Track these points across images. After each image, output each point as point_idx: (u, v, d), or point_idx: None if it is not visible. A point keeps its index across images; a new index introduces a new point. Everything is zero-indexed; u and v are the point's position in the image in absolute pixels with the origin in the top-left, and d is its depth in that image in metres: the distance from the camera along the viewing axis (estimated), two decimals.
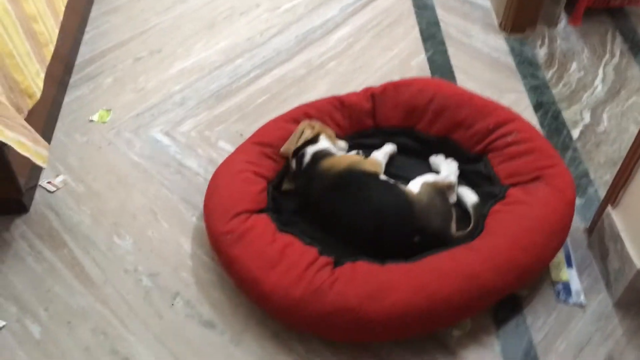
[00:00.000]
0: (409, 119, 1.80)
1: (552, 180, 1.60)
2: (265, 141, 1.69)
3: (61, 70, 2.02)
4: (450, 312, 1.41)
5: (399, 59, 2.18)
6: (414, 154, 1.78)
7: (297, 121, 1.73)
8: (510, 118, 1.75)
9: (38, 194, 1.74)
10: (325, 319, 1.37)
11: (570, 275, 1.59)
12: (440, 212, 1.52)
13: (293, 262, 1.42)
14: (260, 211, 1.55)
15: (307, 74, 2.13)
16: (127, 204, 1.73)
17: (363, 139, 1.78)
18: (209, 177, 1.77)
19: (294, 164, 1.64)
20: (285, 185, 1.67)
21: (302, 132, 1.63)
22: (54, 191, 1.75)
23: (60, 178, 1.78)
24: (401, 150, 1.78)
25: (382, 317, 1.36)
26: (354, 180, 1.55)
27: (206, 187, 1.75)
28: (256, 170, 1.62)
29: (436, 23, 2.35)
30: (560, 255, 1.61)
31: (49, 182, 1.76)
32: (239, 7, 2.40)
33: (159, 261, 1.60)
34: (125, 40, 2.23)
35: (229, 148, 1.87)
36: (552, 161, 1.65)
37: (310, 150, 1.60)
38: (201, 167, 1.83)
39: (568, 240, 1.64)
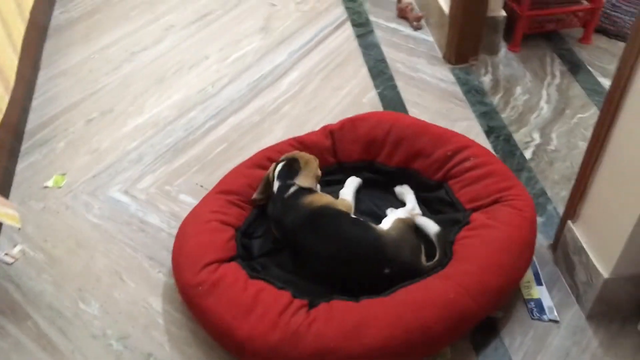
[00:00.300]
0: (369, 152, 1.83)
1: (512, 201, 1.64)
2: (229, 189, 1.69)
3: (10, 139, 1.98)
4: (428, 342, 1.41)
5: (351, 97, 2.22)
6: (377, 187, 1.80)
7: (259, 166, 1.74)
8: (467, 144, 1.79)
9: None
10: None
11: (540, 292, 1.61)
12: (409, 244, 1.53)
13: (267, 307, 1.40)
14: (230, 259, 1.53)
15: (262, 120, 2.14)
16: (90, 267, 1.68)
17: (327, 176, 1.79)
18: (173, 231, 1.76)
19: (275, 185, 1.63)
20: (256, 196, 1.67)
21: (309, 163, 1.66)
22: (12, 262, 1.69)
23: (17, 248, 1.73)
24: (364, 183, 1.79)
25: (362, 354, 1.35)
26: (328, 215, 1.56)
27: (171, 242, 1.72)
28: (223, 219, 1.61)
29: (383, 60, 2.41)
30: (529, 274, 1.64)
31: (6, 254, 1.71)
32: (188, 60, 2.41)
33: (128, 323, 1.55)
34: (75, 103, 2.21)
35: (191, 201, 1.85)
36: (510, 183, 1.69)
37: (298, 182, 1.61)
38: (164, 222, 1.80)
39: (534, 258, 1.67)
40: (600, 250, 1.48)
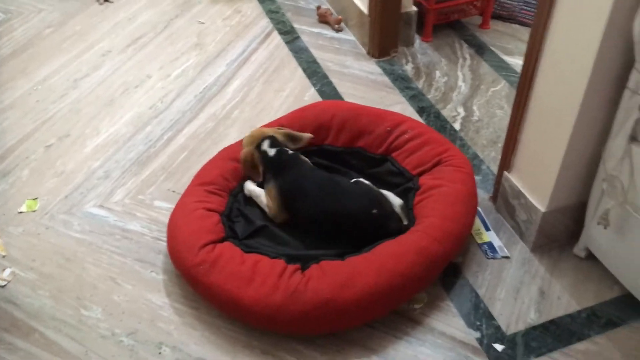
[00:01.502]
0: (317, 137, 2.03)
1: (451, 161, 1.90)
2: (206, 181, 1.86)
3: None
4: (408, 285, 1.63)
5: (293, 97, 2.43)
6: (328, 168, 2.00)
7: (229, 159, 1.91)
8: (402, 120, 2.04)
9: None
10: (307, 315, 1.53)
11: (490, 236, 1.87)
12: (389, 202, 1.79)
13: (266, 274, 1.58)
14: (222, 240, 1.70)
15: (216, 126, 2.30)
16: (84, 277, 1.77)
17: None
18: (155, 235, 1.89)
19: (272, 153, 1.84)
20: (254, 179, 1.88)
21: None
22: (5, 285, 1.75)
23: (7, 271, 1.78)
24: (317, 166, 1.98)
25: (355, 301, 1.54)
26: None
27: (155, 244, 1.86)
28: (207, 207, 1.77)
29: (315, 61, 2.63)
30: (478, 223, 1.90)
31: None
32: (132, 81, 2.52)
33: (133, 320, 1.66)
34: (30, 132, 2.26)
35: (166, 205, 1.97)
36: (446, 146, 1.96)
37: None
38: (145, 228, 1.91)
39: (480, 209, 1.93)
40: (535, 190, 1.76)
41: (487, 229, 1.90)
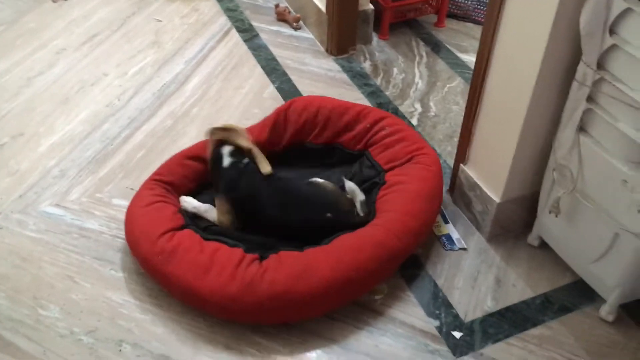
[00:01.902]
0: (301, 135, 2.06)
1: (421, 159, 1.93)
2: (166, 180, 1.86)
3: None
4: (365, 278, 1.65)
5: (252, 94, 2.43)
6: (308, 165, 2.03)
7: (191, 158, 1.90)
8: (383, 116, 2.06)
9: None
10: (262, 306, 1.55)
11: (448, 228, 1.91)
12: (344, 197, 1.80)
13: (223, 263, 1.59)
14: (182, 227, 1.70)
15: (174, 124, 2.28)
16: (41, 276, 1.74)
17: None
18: (114, 232, 1.87)
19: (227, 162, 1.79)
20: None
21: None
22: None
23: None
24: (298, 162, 2.03)
25: (311, 293, 1.56)
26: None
27: (114, 242, 1.84)
28: (165, 200, 1.78)
29: (273, 59, 2.64)
30: (438, 216, 1.94)
31: None
32: (88, 79, 2.49)
33: (92, 318, 1.64)
34: None
35: (125, 203, 1.93)
36: (420, 145, 1.98)
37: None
38: (103, 226, 1.89)
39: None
40: (490, 182, 1.81)
41: (446, 222, 1.94)
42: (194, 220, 1.76)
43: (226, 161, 1.79)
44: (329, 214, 1.73)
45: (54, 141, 2.19)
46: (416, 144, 1.96)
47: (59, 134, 2.22)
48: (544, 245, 1.83)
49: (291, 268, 1.58)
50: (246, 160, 1.80)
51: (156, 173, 1.89)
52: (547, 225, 1.76)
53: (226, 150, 1.81)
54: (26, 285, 1.72)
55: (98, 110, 2.33)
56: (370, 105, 2.39)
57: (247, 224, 1.77)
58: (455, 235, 1.89)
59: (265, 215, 1.75)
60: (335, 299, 1.63)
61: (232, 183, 1.77)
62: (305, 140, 2.06)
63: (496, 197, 1.79)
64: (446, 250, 1.85)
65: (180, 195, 1.85)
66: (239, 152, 1.81)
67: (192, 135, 2.22)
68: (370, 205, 1.82)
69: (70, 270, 1.76)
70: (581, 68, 1.45)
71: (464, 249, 1.85)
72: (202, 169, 1.91)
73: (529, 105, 1.56)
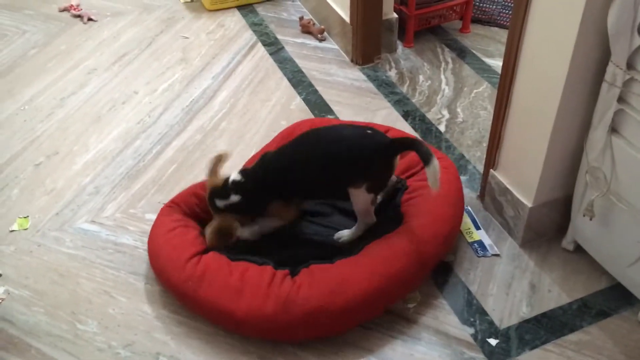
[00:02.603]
0: None
1: None
2: (181, 208, 1.85)
3: None
4: (400, 286, 1.65)
5: (279, 106, 2.45)
6: None
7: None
8: (386, 130, 2.05)
9: None
10: (299, 324, 1.55)
11: (480, 235, 1.90)
12: None
13: (255, 283, 1.58)
14: (206, 250, 1.70)
15: (204, 138, 2.31)
16: (78, 292, 1.78)
17: None
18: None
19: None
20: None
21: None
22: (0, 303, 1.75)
23: (1, 290, 1.78)
24: None
25: (347, 307, 1.56)
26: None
27: (148, 256, 1.86)
28: (185, 224, 1.78)
29: (299, 71, 2.66)
30: (468, 221, 1.93)
31: None
32: (119, 97, 2.54)
33: (129, 332, 1.67)
34: (18, 152, 2.27)
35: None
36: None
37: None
38: (137, 241, 1.92)
39: (469, 207, 1.96)
40: (521, 186, 1.79)
41: (477, 228, 1.92)
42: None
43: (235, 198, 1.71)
44: (369, 130, 1.66)
45: (87, 159, 2.24)
46: None
47: (93, 152, 2.27)
48: (578, 249, 1.80)
49: (325, 282, 1.57)
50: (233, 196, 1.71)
51: (171, 201, 1.89)
52: (582, 229, 1.73)
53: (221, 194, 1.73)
54: (64, 300, 1.76)
55: (129, 128, 2.38)
56: (397, 113, 2.40)
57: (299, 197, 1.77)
58: (487, 241, 1.88)
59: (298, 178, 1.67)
60: (370, 310, 1.63)
61: (253, 190, 1.71)
62: None
63: (528, 202, 1.77)
64: (479, 256, 1.83)
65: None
66: (220, 191, 1.72)
67: (221, 149, 2.25)
68: (395, 209, 1.82)
69: (106, 285, 1.80)
70: (610, 69, 1.44)
71: (497, 255, 1.83)
72: None
73: (559, 108, 1.55)
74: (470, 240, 1.88)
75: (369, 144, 1.65)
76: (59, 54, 2.82)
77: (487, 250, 1.85)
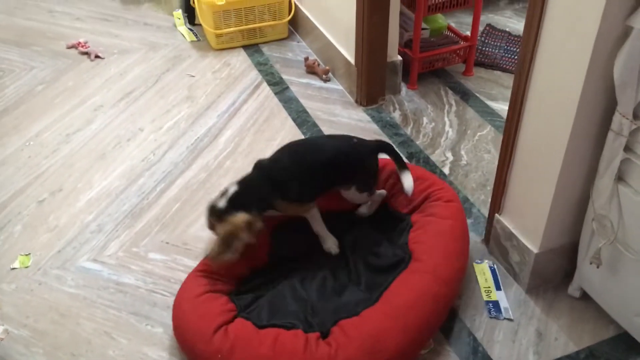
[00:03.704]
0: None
1: (438, 195, 1.93)
2: (208, 269, 1.76)
3: None
4: (428, 335, 1.66)
5: None
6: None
7: None
8: (382, 165, 2.04)
9: None
10: None
11: (499, 296, 1.84)
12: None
13: (290, 351, 1.51)
14: (233, 319, 1.62)
15: (209, 176, 2.31)
16: (78, 333, 1.75)
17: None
18: (150, 287, 1.88)
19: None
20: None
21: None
22: None
23: (0, 330, 1.76)
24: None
25: None
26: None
27: (150, 297, 1.85)
28: (211, 289, 1.70)
29: (304, 111, 2.68)
30: (489, 279, 1.88)
31: None
32: (124, 134, 2.55)
33: None
34: (22, 188, 2.27)
35: (160, 257, 1.98)
36: (430, 180, 2.00)
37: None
38: (139, 281, 1.91)
39: (495, 267, 1.92)
40: (527, 232, 1.79)
41: (498, 289, 1.86)
42: (245, 301, 1.71)
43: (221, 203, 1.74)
44: (354, 140, 1.92)
45: (91, 196, 2.23)
46: (426, 180, 1.98)
47: (97, 189, 2.26)
48: (585, 296, 1.78)
49: (361, 341, 1.52)
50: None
51: (200, 265, 1.80)
52: (588, 276, 1.72)
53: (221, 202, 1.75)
54: (64, 341, 1.73)
55: (134, 165, 2.38)
56: (400, 153, 2.40)
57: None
58: (504, 304, 1.81)
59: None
60: None
61: (252, 200, 1.75)
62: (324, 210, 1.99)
63: (534, 248, 1.76)
64: (490, 317, 1.77)
65: (228, 280, 1.77)
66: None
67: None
68: (403, 247, 1.81)
69: (107, 325, 1.77)
70: (617, 118, 1.45)
71: (510, 319, 1.77)
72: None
73: (565, 155, 1.55)
74: (486, 299, 1.82)
75: (356, 152, 1.90)
76: (65, 90, 2.84)
77: (501, 313, 1.78)
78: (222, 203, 1.74)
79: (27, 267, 1.96)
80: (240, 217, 1.68)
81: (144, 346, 1.71)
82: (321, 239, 1.89)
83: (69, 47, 3.16)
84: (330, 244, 1.89)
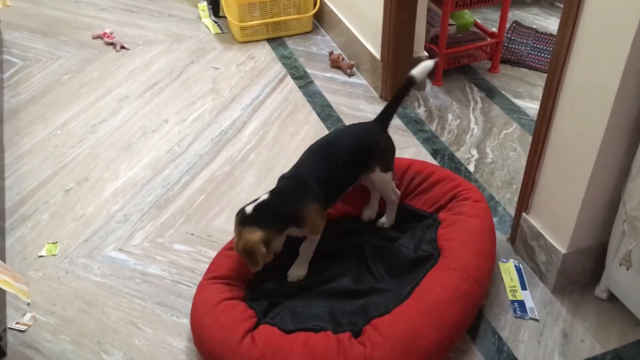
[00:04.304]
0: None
1: (465, 195, 1.92)
2: (219, 274, 1.73)
3: None
4: (460, 333, 1.65)
5: (308, 140, 2.45)
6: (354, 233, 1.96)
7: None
8: (408, 165, 2.05)
9: (10, 337, 1.72)
10: None
11: (524, 295, 1.83)
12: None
13: (323, 354, 1.49)
14: (256, 325, 1.60)
15: (233, 169, 2.32)
16: (105, 321, 1.77)
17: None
18: (175, 278, 1.89)
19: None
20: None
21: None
22: (26, 330, 1.74)
23: (27, 316, 1.78)
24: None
25: None
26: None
27: (175, 288, 1.87)
28: (227, 296, 1.66)
29: (328, 105, 2.67)
30: (515, 279, 1.87)
31: (17, 323, 1.76)
32: (149, 126, 2.56)
33: None
34: (49, 177, 2.29)
35: (185, 248, 1.99)
36: (456, 181, 1.99)
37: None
38: (164, 271, 1.92)
39: (521, 266, 1.91)
40: (555, 232, 1.77)
41: (524, 288, 1.85)
42: (265, 314, 1.66)
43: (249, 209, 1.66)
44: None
45: (117, 186, 2.25)
46: (452, 181, 1.97)
47: (122, 180, 2.28)
48: (612, 298, 1.77)
49: (396, 340, 1.51)
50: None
51: (208, 271, 1.78)
52: (617, 278, 1.70)
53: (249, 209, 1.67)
54: (91, 329, 1.75)
55: (159, 156, 2.39)
56: (425, 151, 2.39)
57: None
58: (529, 303, 1.80)
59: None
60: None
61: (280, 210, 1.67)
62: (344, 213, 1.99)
63: (562, 248, 1.75)
64: (516, 317, 1.76)
65: (239, 284, 1.74)
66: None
67: (249, 182, 2.26)
68: (432, 243, 1.80)
69: (132, 315, 1.79)
70: None
71: (536, 319, 1.76)
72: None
73: (598, 155, 1.53)
74: (511, 298, 1.81)
75: (368, 134, 1.89)
76: (91, 81, 2.86)
77: (526, 313, 1.77)
78: (248, 210, 1.66)
79: (54, 255, 1.98)
80: (254, 235, 1.60)
81: (169, 337, 1.73)
82: (298, 261, 1.80)
83: (95, 38, 3.19)
84: (301, 272, 1.80)
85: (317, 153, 1.83)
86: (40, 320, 1.78)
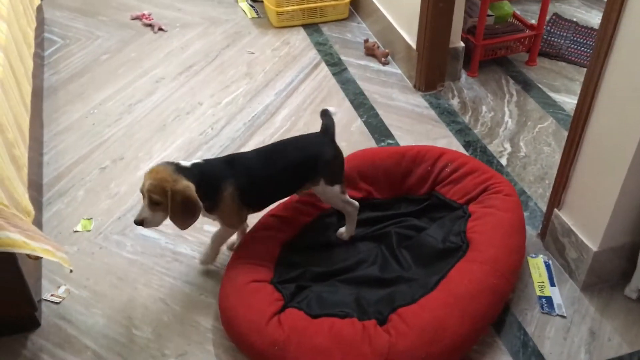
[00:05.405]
0: (363, 190, 2.03)
1: (497, 188, 1.91)
2: (247, 255, 1.78)
3: (33, 192, 2.08)
4: (485, 326, 1.65)
5: (340, 127, 2.43)
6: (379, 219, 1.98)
7: (267, 228, 1.88)
8: (440, 153, 2.04)
9: (44, 308, 1.78)
10: None
11: (552, 292, 1.81)
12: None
13: (347, 341, 1.50)
14: (283, 308, 1.62)
15: None
16: (135, 297, 1.81)
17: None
18: None
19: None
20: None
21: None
22: (60, 302, 1.80)
23: (62, 289, 1.83)
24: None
25: (445, 353, 1.53)
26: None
27: (204, 268, 1.89)
28: (255, 278, 1.69)
29: (361, 93, 2.67)
30: (544, 274, 1.86)
31: (52, 295, 1.81)
32: (184, 107, 2.60)
33: (182, 341, 1.69)
34: (85, 154, 2.34)
35: (214, 229, 2.00)
36: (489, 174, 1.98)
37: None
38: (195, 251, 1.95)
39: (550, 262, 1.90)
40: (587, 229, 1.75)
41: (552, 285, 1.83)
42: (291, 290, 1.69)
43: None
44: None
45: (151, 166, 2.28)
46: (485, 173, 1.95)
47: (156, 160, 2.32)
48: None
49: (421, 330, 1.51)
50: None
51: (235, 254, 1.82)
52: None
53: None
54: (122, 304, 1.79)
55: (192, 138, 2.43)
56: (458, 142, 2.38)
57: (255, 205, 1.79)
58: (557, 300, 1.78)
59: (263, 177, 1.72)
60: (463, 352, 1.60)
61: (211, 179, 1.67)
62: (369, 197, 2.02)
63: (593, 246, 1.73)
64: (543, 312, 1.75)
65: (268, 264, 1.77)
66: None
67: None
68: (460, 235, 1.80)
69: (162, 292, 1.83)
70: None
71: (563, 316, 1.74)
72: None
73: (635, 153, 1.51)
74: (539, 294, 1.80)
75: (314, 145, 1.81)
76: (129, 61, 2.90)
77: (554, 309, 1.76)
78: (186, 164, 1.66)
79: (88, 230, 2.03)
80: (192, 187, 1.60)
81: (197, 315, 1.76)
82: (209, 248, 1.85)
83: (133, 19, 3.23)
84: (210, 258, 1.86)
85: (262, 152, 1.79)
86: (74, 293, 1.83)
